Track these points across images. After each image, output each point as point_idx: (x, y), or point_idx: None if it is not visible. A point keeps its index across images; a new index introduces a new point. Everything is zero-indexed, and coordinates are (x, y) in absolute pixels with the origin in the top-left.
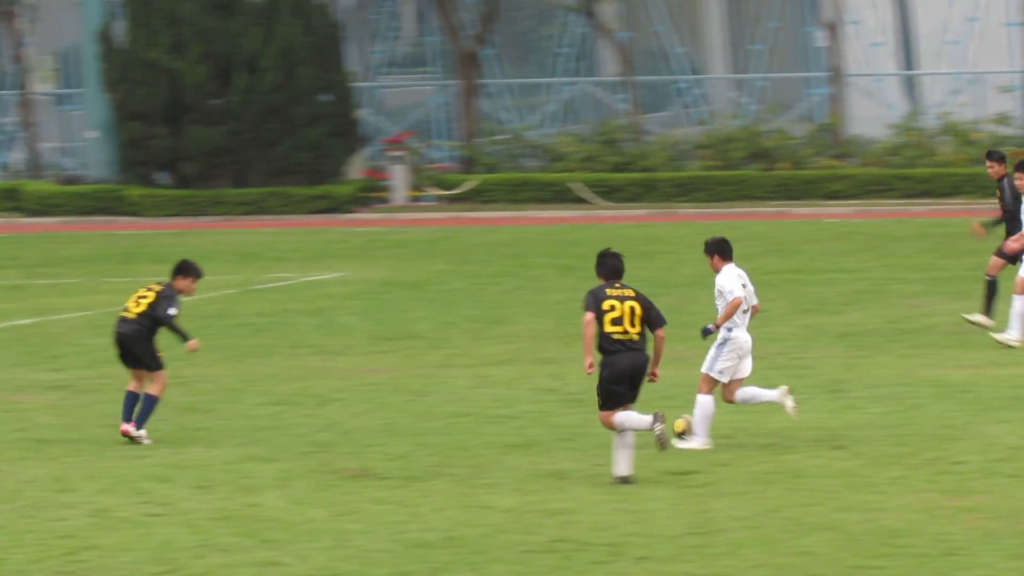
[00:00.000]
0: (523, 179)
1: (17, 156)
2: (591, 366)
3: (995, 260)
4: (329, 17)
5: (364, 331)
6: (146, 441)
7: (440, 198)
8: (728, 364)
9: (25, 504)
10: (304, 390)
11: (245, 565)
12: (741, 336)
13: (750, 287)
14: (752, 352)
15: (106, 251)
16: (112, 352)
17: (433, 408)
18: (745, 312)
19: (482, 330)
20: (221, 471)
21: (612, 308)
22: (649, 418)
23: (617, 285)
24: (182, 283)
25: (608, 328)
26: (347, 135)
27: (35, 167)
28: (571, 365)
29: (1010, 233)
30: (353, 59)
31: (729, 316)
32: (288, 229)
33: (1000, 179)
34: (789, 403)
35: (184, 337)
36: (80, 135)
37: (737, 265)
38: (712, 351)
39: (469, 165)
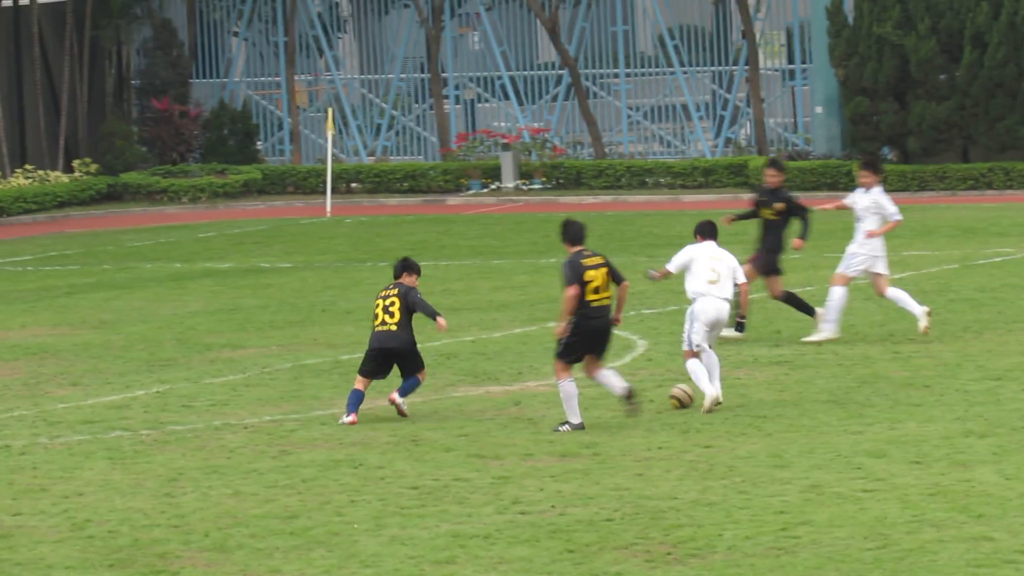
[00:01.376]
0: None
1: (744, 131)
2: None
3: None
4: None
5: None
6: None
7: None
8: None
9: (742, 480)
10: (1021, 365)
11: (957, 540)
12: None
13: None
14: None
15: (828, 225)
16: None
17: None
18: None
19: None
20: (936, 446)
21: (592, 279)
22: (625, 387)
23: (587, 253)
24: (409, 279)
25: (589, 296)
26: None
27: (761, 142)
28: None
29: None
30: None
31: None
32: (1010, 204)
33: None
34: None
35: (433, 315)
36: (807, 110)
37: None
38: None
39: None
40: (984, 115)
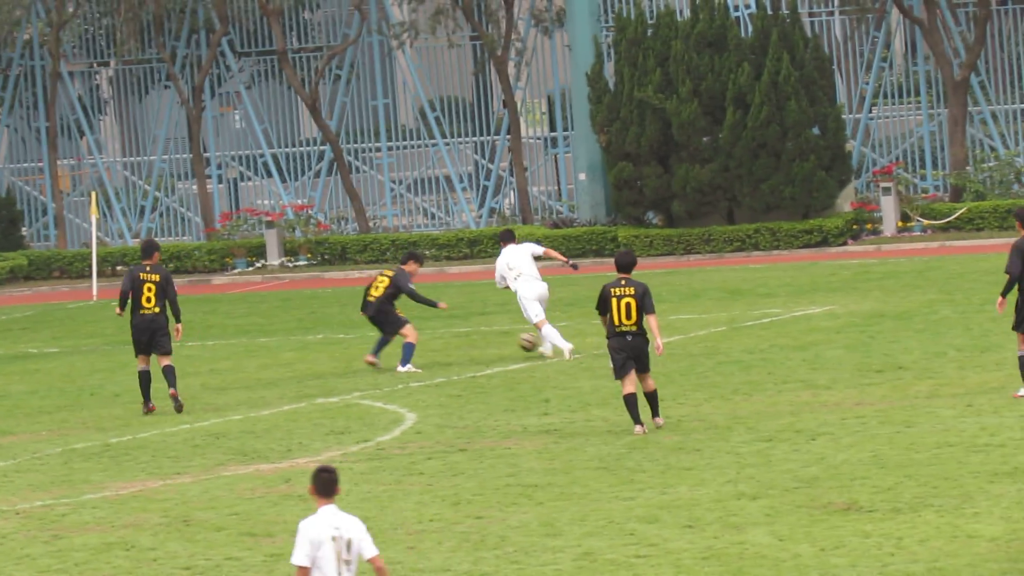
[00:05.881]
0: (1012, 205)
1: (508, 200)
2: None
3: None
4: (819, 50)
5: (852, 364)
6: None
7: (928, 228)
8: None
9: (514, 550)
10: (791, 425)
11: None
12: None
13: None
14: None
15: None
16: (601, 395)
17: (920, 439)
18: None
19: (970, 359)
20: (708, 509)
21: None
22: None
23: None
24: (412, 266)
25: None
26: (837, 168)
27: (525, 211)
28: None
29: None
30: (839, 91)
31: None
32: (777, 264)
33: None
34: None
35: (431, 303)
36: (570, 178)
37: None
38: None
39: (958, 194)
40: (748, 176)
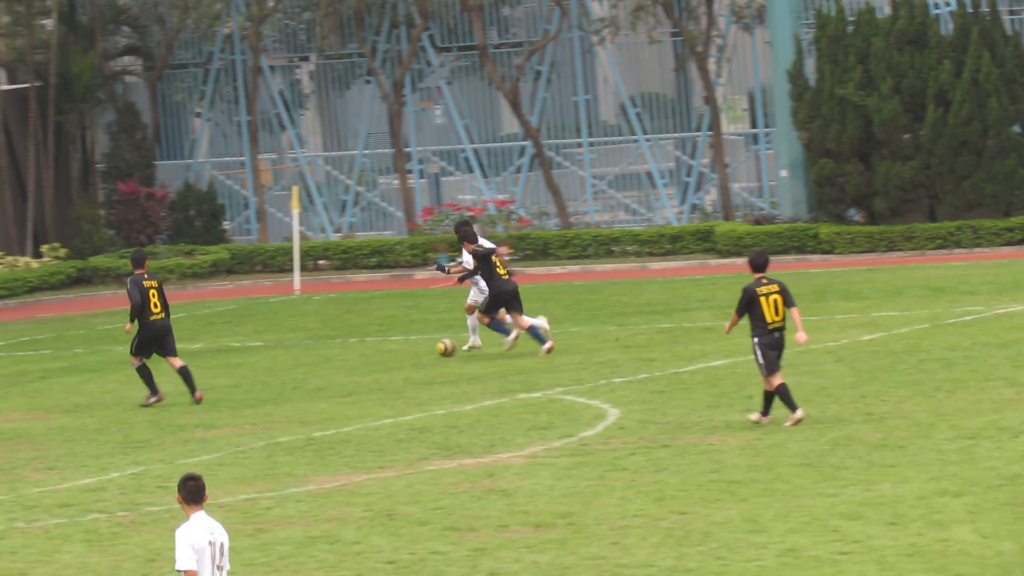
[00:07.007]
0: None
1: (709, 197)
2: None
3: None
4: (1019, 48)
5: None
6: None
7: None
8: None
9: (718, 546)
10: (995, 423)
11: None
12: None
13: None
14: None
15: (799, 290)
16: (804, 391)
17: None
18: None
19: None
20: (912, 506)
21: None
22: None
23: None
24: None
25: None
26: None
27: (727, 207)
28: None
29: None
30: None
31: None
32: (978, 262)
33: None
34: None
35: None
36: (771, 174)
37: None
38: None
39: None
40: (949, 173)
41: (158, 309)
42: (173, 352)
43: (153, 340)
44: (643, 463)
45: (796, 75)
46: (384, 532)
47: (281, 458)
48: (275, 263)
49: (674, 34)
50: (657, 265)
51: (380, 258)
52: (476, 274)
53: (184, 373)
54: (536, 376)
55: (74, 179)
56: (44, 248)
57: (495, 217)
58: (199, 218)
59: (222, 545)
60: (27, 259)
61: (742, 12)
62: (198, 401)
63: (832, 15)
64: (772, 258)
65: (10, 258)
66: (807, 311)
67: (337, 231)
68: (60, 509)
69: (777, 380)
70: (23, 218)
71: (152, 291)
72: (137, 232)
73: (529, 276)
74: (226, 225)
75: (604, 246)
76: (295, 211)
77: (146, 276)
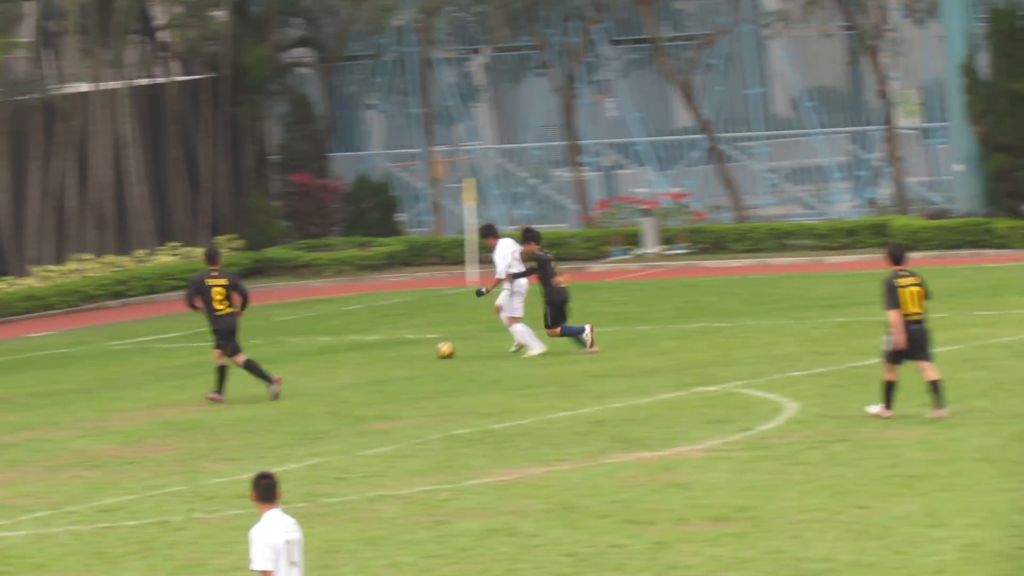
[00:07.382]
0: None
1: (884, 191)
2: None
3: None
4: None
5: None
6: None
7: None
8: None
9: (897, 540)
10: None
11: None
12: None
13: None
14: None
15: (974, 284)
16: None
17: None
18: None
19: None
20: None
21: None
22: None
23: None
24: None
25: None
26: None
27: (901, 201)
28: None
29: None
30: None
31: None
32: None
33: None
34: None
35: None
36: (946, 168)
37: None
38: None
39: None
40: None
41: (224, 305)
42: (234, 351)
43: (225, 332)
44: (821, 457)
45: (968, 69)
46: (563, 525)
47: (460, 450)
48: (450, 255)
49: (846, 27)
50: (833, 259)
51: (556, 251)
52: (528, 275)
53: (249, 366)
54: (713, 370)
55: (248, 170)
56: (220, 239)
57: (670, 210)
58: (373, 210)
59: (297, 542)
60: (202, 250)
61: (914, 5)
62: (276, 395)
63: (1005, 10)
64: (948, 252)
65: (185, 249)
66: (982, 306)
67: (512, 223)
68: (239, 500)
69: (894, 375)
70: (197, 210)
71: (217, 288)
72: (311, 224)
73: (704, 269)
74: (401, 217)
75: (779, 239)
76: (469, 203)
77: (214, 274)
